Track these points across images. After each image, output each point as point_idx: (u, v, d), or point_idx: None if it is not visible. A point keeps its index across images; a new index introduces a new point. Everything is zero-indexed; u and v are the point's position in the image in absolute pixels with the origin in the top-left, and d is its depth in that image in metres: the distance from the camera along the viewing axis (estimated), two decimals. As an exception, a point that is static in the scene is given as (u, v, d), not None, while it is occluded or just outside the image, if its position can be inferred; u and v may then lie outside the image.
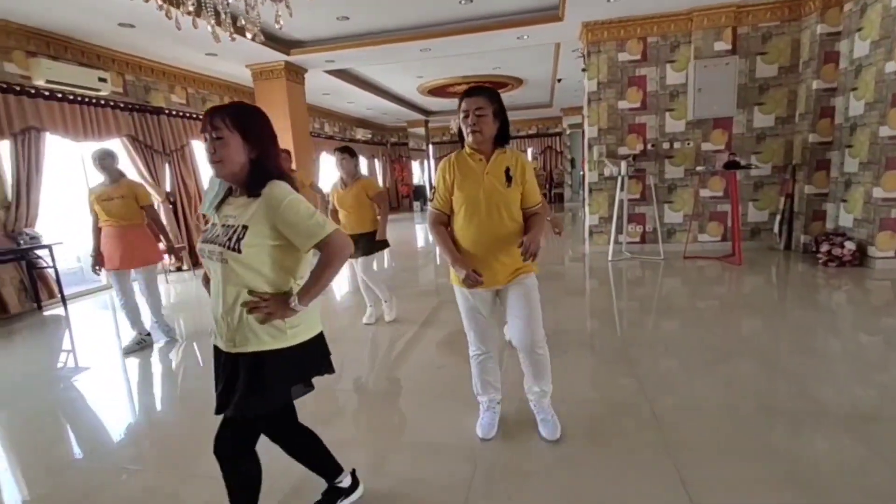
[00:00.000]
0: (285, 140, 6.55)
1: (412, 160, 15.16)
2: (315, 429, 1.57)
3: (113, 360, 3.35)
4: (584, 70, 5.91)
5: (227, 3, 2.63)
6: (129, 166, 5.72)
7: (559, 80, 8.93)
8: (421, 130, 13.97)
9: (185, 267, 6.13)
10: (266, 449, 1.47)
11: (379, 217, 3.57)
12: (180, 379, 3.11)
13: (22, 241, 4.52)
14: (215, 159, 1.27)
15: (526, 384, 2.08)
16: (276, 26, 2.87)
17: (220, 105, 1.31)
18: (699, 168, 5.52)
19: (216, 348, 1.39)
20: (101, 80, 5.15)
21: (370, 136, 13.28)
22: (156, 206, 3.97)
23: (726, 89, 5.24)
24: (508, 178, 1.81)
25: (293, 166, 4.70)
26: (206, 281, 1.46)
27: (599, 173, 5.95)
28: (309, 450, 1.58)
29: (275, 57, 6.15)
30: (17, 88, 4.48)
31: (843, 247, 4.66)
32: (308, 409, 1.71)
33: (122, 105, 5.61)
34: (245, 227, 1.27)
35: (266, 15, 3.44)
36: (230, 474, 1.41)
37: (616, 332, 3.37)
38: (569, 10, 5.03)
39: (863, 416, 2.07)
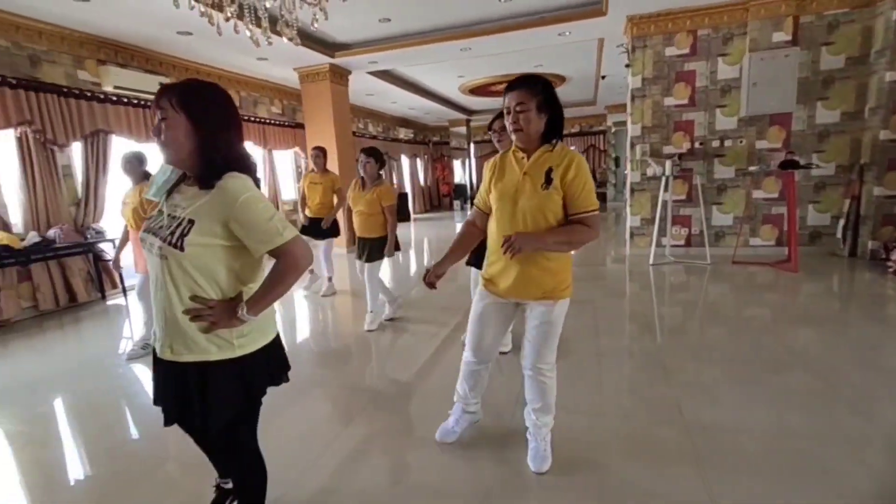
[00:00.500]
0: (327, 140, 6.75)
1: (454, 159, 15.22)
2: (334, 431, 1.60)
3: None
4: (627, 66, 5.71)
5: (266, 8, 2.74)
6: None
7: (603, 77, 8.66)
8: (462, 129, 14.02)
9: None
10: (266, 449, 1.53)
11: (389, 230, 3.47)
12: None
13: (89, 236, 4.91)
14: (160, 142, 1.13)
15: (525, 410, 1.90)
16: (312, 28, 2.97)
17: (171, 83, 1.16)
18: (752, 168, 5.20)
19: (155, 353, 1.25)
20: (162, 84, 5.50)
21: (412, 135, 13.44)
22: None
23: (785, 83, 4.90)
24: (549, 181, 1.59)
25: (326, 166, 4.77)
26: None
27: (642, 173, 5.73)
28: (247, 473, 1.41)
29: (320, 60, 6.34)
30: (89, 94, 4.88)
31: (916, 254, 4.27)
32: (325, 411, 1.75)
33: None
34: (191, 222, 1.11)
35: (306, 18, 3.56)
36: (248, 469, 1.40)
37: (656, 339, 3.24)
38: (612, 3, 4.88)
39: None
